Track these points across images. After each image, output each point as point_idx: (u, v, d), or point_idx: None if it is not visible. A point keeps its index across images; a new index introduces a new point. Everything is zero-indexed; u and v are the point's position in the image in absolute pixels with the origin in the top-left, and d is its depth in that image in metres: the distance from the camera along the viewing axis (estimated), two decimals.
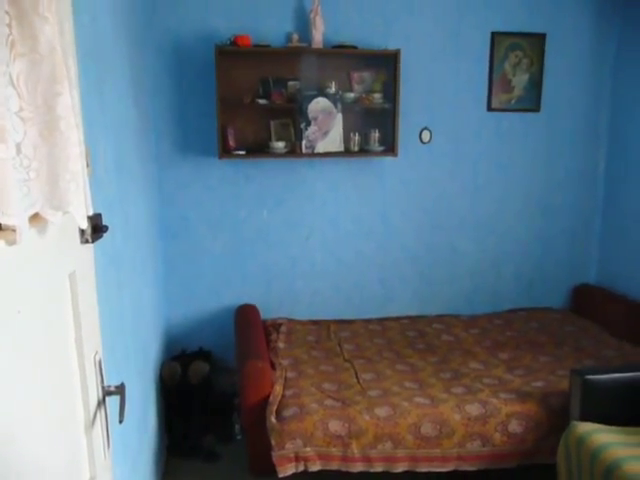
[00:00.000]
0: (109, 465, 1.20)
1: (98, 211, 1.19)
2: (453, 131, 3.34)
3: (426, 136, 3.30)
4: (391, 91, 3.05)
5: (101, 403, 1.13)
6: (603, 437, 1.99)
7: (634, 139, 3.24)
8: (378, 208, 3.35)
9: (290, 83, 3.02)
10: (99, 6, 1.77)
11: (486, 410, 2.35)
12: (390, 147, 3.09)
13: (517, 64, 3.34)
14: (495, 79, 3.33)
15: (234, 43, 2.86)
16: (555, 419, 2.35)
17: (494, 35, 3.28)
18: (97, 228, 1.16)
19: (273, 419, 2.26)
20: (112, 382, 1.23)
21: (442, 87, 3.29)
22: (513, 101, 3.38)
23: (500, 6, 3.26)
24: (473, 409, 2.35)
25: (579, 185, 3.52)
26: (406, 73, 3.12)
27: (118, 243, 1.88)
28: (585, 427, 2.07)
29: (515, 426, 2.34)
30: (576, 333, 3.14)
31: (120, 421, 1.18)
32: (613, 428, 2.08)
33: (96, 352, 1.14)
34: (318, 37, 2.96)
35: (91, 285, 1.17)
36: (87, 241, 1.11)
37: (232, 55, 2.94)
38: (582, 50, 3.38)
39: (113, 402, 1.21)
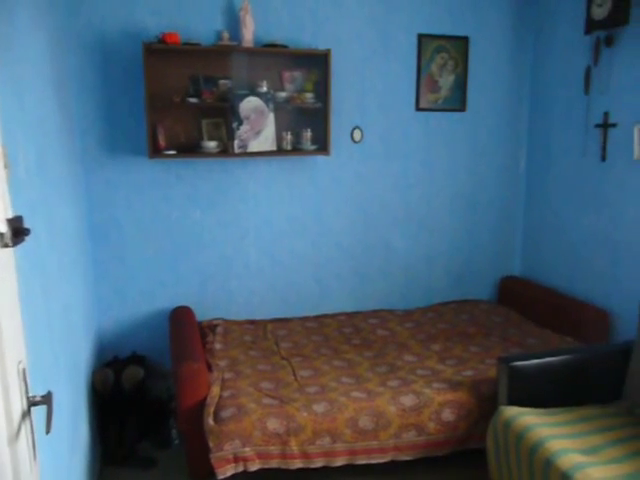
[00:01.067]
0: (36, 478, 1.15)
1: (19, 213, 1.13)
2: (384, 130, 3.42)
3: (357, 135, 3.37)
4: (322, 91, 3.09)
5: (26, 414, 1.09)
6: (528, 419, 2.10)
7: (551, 139, 3.43)
8: (312, 207, 3.38)
9: (221, 82, 2.99)
10: None
11: (420, 400, 2.43)
12: (322, 146, 3.13)
13: (443, 65, 3.47)
14: (423, 80, 3.44)
15: (162, 41, 2.79)
16: (485, 405, 2.46)
17: (420, 37, 3.39)
18: (18, 231, 1.10)
19: (210, 421, 2.23)
20: (39, 391, 1.18)
21: (372, 87, 3.37)
22: (440, 101, 3.50)
23: (425, 9, 3.37)
24: (408, 400, 2.42)
25: (503, 181, 3.69)
26: (337, 73, 3.17)
27: (43, 247, 1.80)
28: (511, 411, 2.18)
29: (448, 414, 2.43)
30: (503, 323, 3.30)
31: (47, 432, 1.13)
32: (537, 410, 2.20)
33: (20, 361, 1.09)
34: (248, 36, 2.95)
35: (12, 291, 1.11)
36: (7, 245, 1.06)
37: (161, 53, 2.88)
38: (502, 53, 3.55)
39: (40, 412, 1.16)
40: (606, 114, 2.95)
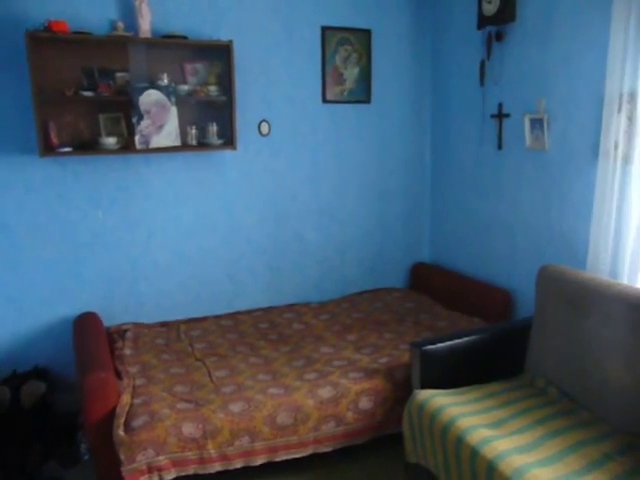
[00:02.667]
0: None
1: None
2: (291, 123, 3.40)
3: (265, 128, 3.32)
4: (226, 83, 3.01)
5: None
6: (440, 400, 2.17)
7: (452, 129, 3.57)
8: (221, 202, 3.30)
9: (118, 74, 2.84)
10: None
11: (337, 391, 2.44)
12: (229, 140, 3.06)
13: (347, 58, 3.50)
14: (328, 72, 3.45)
15: (49, 29, 2.60)
16: (400, 391, 2.52)
17: (324, 30, 3.39)
18: None
19: (121, 432, 2.12)
20: None
21: (278, 79, 3.33)
22: (346, 93, 3.53)
23: (328, 2, 3.37)
24: (325, 392, 2.43)
25: (409, 171, 3.80)
26: (241, 65, 3.11)
27: None
28: (425, 394, 2.24)
29: (365, 402, 2.47)
30: (415, 309, 3.40)
31: None
32: (448, 391, 2.28)
33: None
34: (145, 26, 2.81)
35: None
36: None
37: (48, 42, 2.68)
38: (404, 46, 3.63)
39: None
40: (500, 105, 3.10)
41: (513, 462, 1.78)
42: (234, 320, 3.27)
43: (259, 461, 2.33)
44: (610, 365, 2.06)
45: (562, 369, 2.27)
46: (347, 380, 2.51)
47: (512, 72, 3.00)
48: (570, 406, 2.16)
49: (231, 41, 2.96)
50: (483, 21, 3.08)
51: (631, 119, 2.26)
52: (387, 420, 2.53)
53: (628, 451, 1.86)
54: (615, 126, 2.31)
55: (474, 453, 1.87)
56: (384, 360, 2.68)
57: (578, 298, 2.24)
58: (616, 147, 2.31)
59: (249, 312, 3.39)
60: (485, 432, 1.95)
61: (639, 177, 2.25)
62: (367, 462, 2.58)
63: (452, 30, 3.48)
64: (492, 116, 3.16)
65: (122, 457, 2.09)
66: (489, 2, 2.99)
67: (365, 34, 3.50)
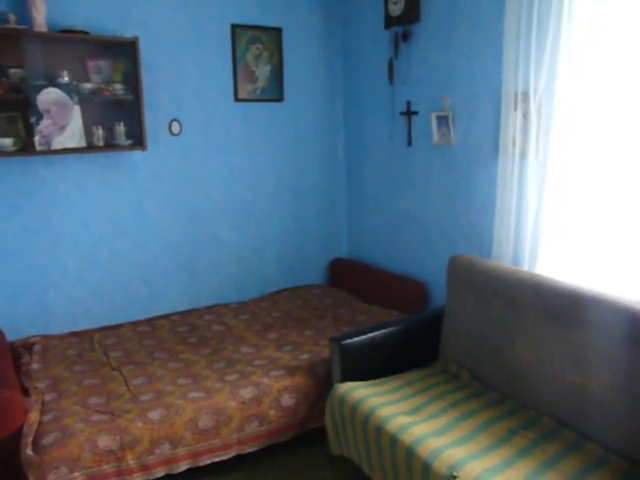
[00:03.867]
0: None
1: None
2: (203, 122, 3.35)
3: (176, 128, 3.24)
4: (133, 81, 2.91)
5: None
6: (360, 392, 2.22)
7: (364, 126, 3.65)
8: (132, 205, 3.19)
9: (12, 71, 2.66)
10: None
11: (259, 391, 2.44)
12: (138, 140, 2.96)
13: (258, 56, 3.48)
14: (239, 70, 3.42)
15: None
16: (322, 386, 2.56)
17: (234, 27, 3.36)
18: None
19: (29, 451, 1.99)
20: None
21: (188, 78, 3.26)
22: (258, 91, 3.52)
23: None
24: (247, 392, 2.42)
25: (324, 168, 3.85)
26: (148, 62, 3.02)
27: None
28: (345, 387, 2.29)
29: (288, 400, 2.48)
30: (334, 304, 3.46)
31: None
32: (368, 383, 2.34)
33: None
34: (40, 19, 2.65)
35: None
36: None
37: None
38: (315, 45, 3.67)
39: None
40: (409, 103, 3.21)
41: (430, 445, 1.85)
42: (151, 325, 3.18)
43: (182, 467, 2.28)
44: (515, 347, 2.20)
45: (472, 354, 2.40)
46: (269, 379, 2.51)
47: (419, 71, 3.12)
48: (480, 388, 2.28)
49: (137, 38, 2.86)
50: (390, 21, 3.18)
51: (526, 117, 2.41)
52: (310, 415, 2.55)
53: (531, 425, 2.00)
54: (512, 123, 2.46)
55: (393, 440, 1.94)
56: (305, 357, 2.71)
57: (485, 286, 2.37)
58: (514, 143, 2.46)
59: (167, 316, 3.31)
60: (403, 419, 2.02)
61: (535, 171, 2.41)
62: (292, 458, 2.59)
63: (361, 29, 3.55)
64: (401, 113, 3.27)
65: (31, 478, 1.96)
66: (395, 3, 3.09)
67: (276, 32, 3.50)
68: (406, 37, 3.13)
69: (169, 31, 3.15)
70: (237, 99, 3.44)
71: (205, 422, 2.30)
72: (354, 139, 3.79)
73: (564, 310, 2.02)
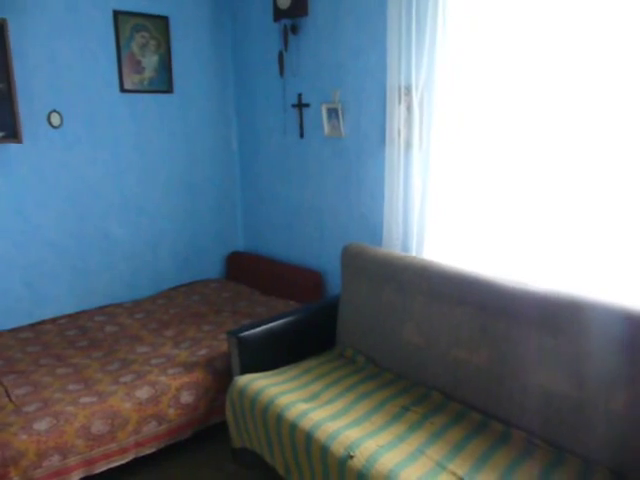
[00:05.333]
0: None
1: None
2: (87, 113, 3.17)
3: (56, 119, 3.04)
4: (3, 69, 2.69)
5: None
6: (259, 383, 2.24)
7: (257, 118, 3.65)
8: (9, 203, 2.95)
9: None
10: None
11: (157, 390, 2.38)
12: (12, 133, 2.74)
13: (145, 45, 3.35)
14: (124, 60, 3.27)
15: None
16: (221, 380, 2.54)
17: (116, 14, 3.20)
18: None
19: None
20: None
21: (68, 66, 3.07)
22: (146, 82, 3.39)
23: None
24: (144, 393, 2.35)
25: (218, 161, 3.79)
26: (20, 49, 2.81)
27: None
28: (244, 379, 2.29)
29: (187, 397, 2.44)
30: (232, 298, 3.44)
31: None
32: (267, 373, 2.36)
33: None
34: None
35: None
36: None
37: None
38: (204, 35, 3.60)
39: None
40: (300, 95, 3.25)
41: (327, 429, 1.91)
42: (35, 331, 2.97)
43: (75, 478, 2.17)
44: (406, 329, 2.33)
45: (367, 338, 2.50)
46: (166, 377, 2.45)
47: (309, 64, 3.16)
48: (375, 370, 2.39)
49: (5, 19, 2.64)
50: (279, 14, 3.19)
51: (409, 110, 2.54)
52: (211, 411, 2.53)
53: (422, 401, 2.12)
54: (397, 116, 2.58)
55: (293, 427, 1.98)
56: (203, 352, 2.67)
57: (376, 272, 2.48)
58: (399, 134, 2.59)
59: (54, 320, 3.11)
60: (302, 406, 2.06)
61: (419, 161, 2.54)
62: (194, 455, 2.56)
63: (251, 21, 3.53)
64: (293, 106, 3.30)
65: None
66: None
67: (162, 21, 3.39)
68: (295, 30, 3.16)
69: (43, 14, 2.94)
70: (123, 90, 3.29)
71: (99, 427, 2.20)
72: (247, 131, 3.77)
73: (447, 291, 2.17)
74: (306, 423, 1.96)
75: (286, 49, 3.24)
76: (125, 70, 3.29)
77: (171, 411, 2.39)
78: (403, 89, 2.53)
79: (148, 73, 3.39)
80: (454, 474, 1.69)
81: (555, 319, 1.85)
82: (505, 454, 1.81)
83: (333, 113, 3.04)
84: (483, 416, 2.01)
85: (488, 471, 1.71)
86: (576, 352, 1.80)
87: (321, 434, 1.89)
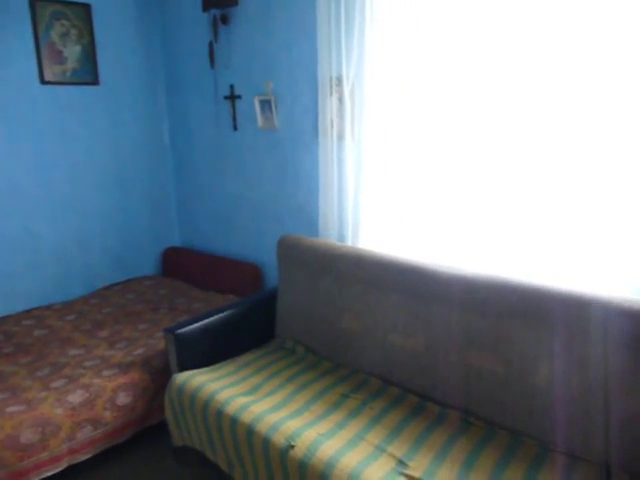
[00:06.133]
0: None
1: None
2: (4, 106, 3.00)
3: None
4: None
5: None
6: (198, 379, 2.21)
7: (189, 111, 3.56)
8: None
9: None
10: None
11: (91, 393, 2.30)
12: None
13: (66, 34, 3.20)
14: (44, 49, 3.11)
15: None
16: (160, 379, 2.49)
17: (33, 0, 3.03)
18: None
19: None
20: None
21: None
22: (68, 74, 3.24)
23: None
24: (76, 397, 2.26)
25: (150, 155, 3.69)
26: None
27: None
28: (183, 376, 2.25)
29: (123, 398, 2.37)
30: (169, 294, 3.36)
31: None
32: (207, 369, 2.33)
33: None
34: None
35: None
36: None
37: None
38: (130, 25, 3.47)
39: None
40: (232, 87, 3.21)
41: (268, 420, 1.91)
42: None
43: None
44: (344, 317, 2.36)
45: (306, 328, 2.51)
46: (101, 379, 2.37)
47: (240, 55, 3.12)
48: (314, 360, 2.40)
49: None
50: (208, 3, 3.13)
51: (341, 101, 2.56)
52: (149, 411, 2.48)
53: (361, 387, 2.16)
54: (329, 107, 2.59)
55: (233, 421, 1.96)
56: (140, 351, 2.61)
57: (313, 263, 2.49)
58: (332, 126, 2.60)
59: None
60: (242, 400, 2.05)
61: (351, 151, 2.56)
62: (134, 457, 2.49)
63: (180, 10, 3.44)
64: (225, 98, 3.25)
65: None
66: None
67: (83, 9, 3.24)
68: (225, 20, 3.11)
69: None
70: (44, 81, 3.13)
71: (28, 436, 2.10)
72: (179, 124, 3.68)
73: (382, 279, 2.21)
74: (247, 416, 1.95)
75: (216, 40, 3.18)
76: (46, 61, 3.12)
77: (107, 414, 2.32)
78: (334, 80, 2.54)
79: (71, 64, 3.24)
80: (393, 456, 1.73)
81: (483, 301, 1.93)
82: (441, 433, 1.87)
83: (266, 105, 3.02)
84: (420, 399, 2.07)
85: (425, 451, 1.77)
86: (503, 332, 1.88)
87: (262, 427, 1.89)
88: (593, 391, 1.69)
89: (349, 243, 2.65)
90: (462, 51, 2.17)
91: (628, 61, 1.77)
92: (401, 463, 1.70)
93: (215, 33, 3.17)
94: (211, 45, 3.22)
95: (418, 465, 1.69)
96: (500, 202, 2.18)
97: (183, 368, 2.35)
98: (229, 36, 3.14)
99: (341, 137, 2.59)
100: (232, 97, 3.21)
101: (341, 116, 2.57)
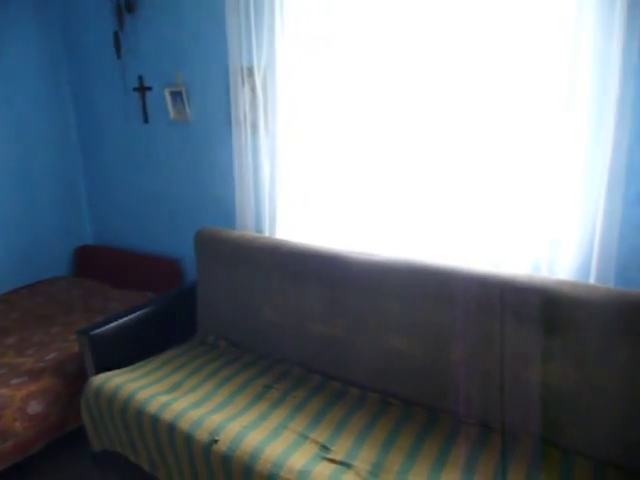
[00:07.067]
0: None
1: None
2: None
3: None
4: None
5: None
6: (116, 381, 2.14)
7: (97, 103, 3.40)
8: None
9: None
10: None
11: None
12: None
13: None
14: None
15: None
16: (75, 383, 2.38)
17: None
18: None
19: None
20: None
21: None
22: None
23: None
24: None
25: (56, 151, 3.49)
26: None
27: None
28: (100, 379, 2.17)
29: (35, 406, 2.26)
30: (83, 295, 3.22)
31: None
32: (125, 369, 2.27)
33: None
34: None
35: None
36: None
37: None
38: (25, 10, 3.24)
39: None
40: (141, 78, 3.09)
41: (191, 417, 1.89)
42: None
43: None
44: (264, 308, 2.36)
45: (227, 322, 2.50)
46: (9, 388, 2.24)
47: (149, 45, 3.01)
48: (237, 353, 2.40)
49: None
50: None
51: (253, 91, 2.54)
52: (66, 418, 2.37)
53: (283, 377, 2.18)
54: (242, 98, 2.56)
55: (154, 420, 1.92)
56: (52, 356, 2.48)
57: (231, 255, 2.48)
58: (245, 117, 2.58)
59: None
60: (163, 398, 2.01)
61: (266, 142, 2.56)
62: (51, 467, 2.38)
63: None
64: (134, 89, 3.13)
65: None
66: None
67: None
68: (131, 8, 2.98)
69: None
70: None
71: None
72: (87, 117, 3.51)
73: (300, 268, 2.24)
74: (168, 414, 1.92)
75: (122, 29, 3.05)
76: None
77: (18, 424, 2.20)
78: (245, 71, 2.51)
79: None
80: (316, 442, 1.77)
81: (397, 285, 2.00)
82: (362, 416, 1.92)
83: (178, 96, 2.94)
84: (341, 384, 2.12)
85: (347, 434, 1.82)
86: (417, 314, 1.96)
87: (184, 423, 1.87)
88: (499, 365, 1.80)
89: (267, 234, 2.65)
90: (372, 41, 2.22)
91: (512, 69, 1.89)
92: (324, 448, 1.74)
93: (120, 22, 3.04)
94: (116, 34, 3.09)
95: (340, 448, 1.74)
96: (408, 190, 2.26)
97: (100, 370, 2.27)
98: (136, 25, 3.02)
99: (255, 128, 2.57)
100: (142, 88, 3.10)
101: (254, 107, 2.55)
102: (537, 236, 1.96)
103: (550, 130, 1.86)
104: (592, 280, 1.82)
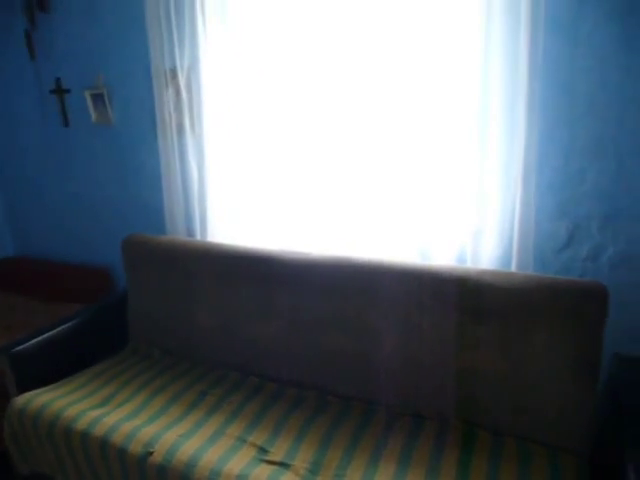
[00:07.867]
0: None
1: None
2: None
3: None
4: None
5: None
6: (42, 399, 2.03)
7: (12, 108, 3.21)
8: None
9: None
10: None
11: None
12: None
13: None
14: None
15: None
16: None
17: None
18: None
19: None
20: None
21: None
22: None
23: None
24: None
25: None
26: None
27: None
28: (23, 398, 2.06)
29: None
30: (4, 312, 3.04)
31: None
32: (52, 386, 2.16)
33: None
34: None
35: None
36: None
37: None
38: None
39: None
40: (58, 80, 2.96)
41: (124, 430, 1.83)
42: None
43: None
44: (198, 314, 2.32)
45: (160, 330, 2.43)
46: None
47: (65, 45, 2.88)
48: (171, 361, 2.33)
49: None
50: None
51: (178, 92, 2.48)
52: None
53: (219, 383, 2.14)
54: (166, 100, 2.50)
55: (84, 437, 1.85)
56: None
57: (162, 261, 2.41)
58: (170, 119, 2.52)
59: None
60: (94, 413, 1.93)
61: (192, 145, 2.51)
62: None
63: None
64: (51, 92, 2.99)
65: None
66: None
67: None
68: (44, 7, 2.84)
69: None
70: None
71: None
72: (2, 123, 3.32)
73: (233, 270, 2.22)
74: (99, 430, 1.85)
75: (34, 28, 2.91)
76: None
77: None
78: (169, 72, 2.46)
79: None
80: (254, 445, 1.75)
81: (328, 282, 2.01)
82: (300, 415, 1.92)
83: (99, 99, 2.84)
84: (278, 385, 2.11)
85: (285, 434, 1.81)
86: (349, 310, 1.98)
87: (117, 437, 1.81)
88: (428, 355, 1.85)
89: (198, 237, 2.61)
90: (290, 41, 2.23)
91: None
92: (262, 450, 1.73)
93: (32, 20, 2.89)
94: (28, 34, 2.93)
95: (278, 450, 1.73)
96: (336, 187, 2.29)
97: (24, 390, 2.14)
98: (50, 24, 2.88)
99: (181, 130, 2.52)
100: (59, 91, 2.96)
101: (179, 108, 2.50)
102: (461, 228, 2.03)
103: (466, 124, 1.93)
104: (513, 267, 1.90)
